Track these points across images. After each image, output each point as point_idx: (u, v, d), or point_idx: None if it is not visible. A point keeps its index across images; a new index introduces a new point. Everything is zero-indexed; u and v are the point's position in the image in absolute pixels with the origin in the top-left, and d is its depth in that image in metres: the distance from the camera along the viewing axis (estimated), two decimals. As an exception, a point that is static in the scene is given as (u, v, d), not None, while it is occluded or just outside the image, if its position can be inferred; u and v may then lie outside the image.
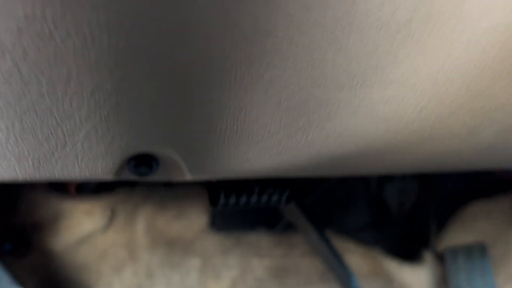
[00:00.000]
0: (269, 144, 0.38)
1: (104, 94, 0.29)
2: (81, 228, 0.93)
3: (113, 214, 0.97)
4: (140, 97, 0.30)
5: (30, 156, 0.32)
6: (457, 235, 1.04)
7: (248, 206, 0.49)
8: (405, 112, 0.35)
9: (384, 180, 1.04)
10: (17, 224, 0.90)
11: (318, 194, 1.02)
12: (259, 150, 0.38)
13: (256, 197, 0.49)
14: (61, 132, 0.31)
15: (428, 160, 0.41)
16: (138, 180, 0.44)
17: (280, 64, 0.31)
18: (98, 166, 0.34)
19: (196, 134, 0.35)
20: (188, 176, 0.40)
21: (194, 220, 1.03)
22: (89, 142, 0.32)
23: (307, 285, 1.02)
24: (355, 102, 0.34)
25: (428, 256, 1.05)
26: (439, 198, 1.07)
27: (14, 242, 0.88)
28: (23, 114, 0.29)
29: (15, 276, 0.77)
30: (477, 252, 0.96)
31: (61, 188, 0.91)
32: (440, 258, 1.05)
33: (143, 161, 0.42)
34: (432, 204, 1.07)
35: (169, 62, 0.29)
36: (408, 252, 1.06)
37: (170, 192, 1.03)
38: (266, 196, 0.49)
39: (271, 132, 0.37)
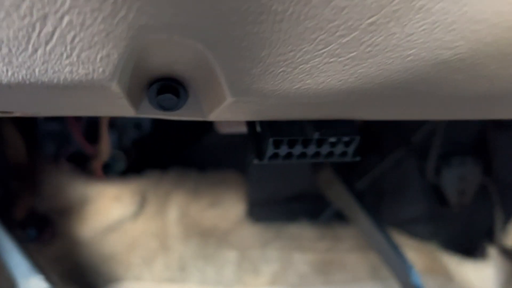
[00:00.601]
0: (338, 49, 0.25)
1: None
2: (109, 215, 0.84)
3: (143, 200, 0.87)
4: None
5: (-4, 41, 0.20)
6: (527, 228, 0.90)
7: (303, 159, 0.36)
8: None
9: (442, 165, 0.91)
10: (41, 210, 0.82)
11: (368, 180, 0.90)
12: (325, 58, 0.26)
13: (314, 148, 0.36)
14: (38, -7, 0.19)
15: None
16: (162, 117, 0.33)
17: None
18: (97, 62, 0.22)
19: (239, 28, 0.23)
20: (229, 99, 0.27)
21: (230, 209, 0.93)
22: (80, 14, 0.20)
23: (354, 282, 0.89)
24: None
25: (493, 252, 0.92)
26: (504, 185, 0.93)
27: (38, 229, 0.79)
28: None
29: (39, 265, 0.68)
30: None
31: (87, 170, 0.81)
32: (508, 254, 0.91)
33: (167, 89, 0.31)
34: (497, 193, 0.93)
35: None
36: (470, 247, 0.94)
37: (204, 178, 0.92)
38: (328, 147, 0.36)
39: (341, 29, 0.24)
